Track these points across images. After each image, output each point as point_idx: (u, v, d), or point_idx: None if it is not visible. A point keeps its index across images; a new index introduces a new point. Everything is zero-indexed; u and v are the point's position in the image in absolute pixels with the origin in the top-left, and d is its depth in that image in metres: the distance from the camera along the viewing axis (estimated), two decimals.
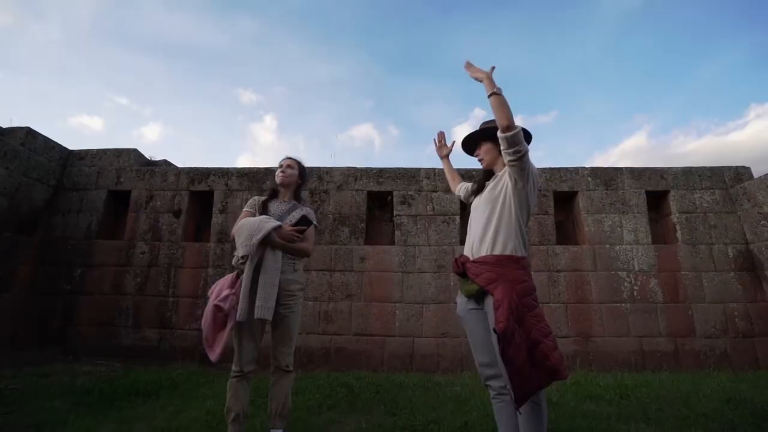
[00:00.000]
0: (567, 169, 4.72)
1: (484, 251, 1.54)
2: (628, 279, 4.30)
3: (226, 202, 4.72)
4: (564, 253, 4.40)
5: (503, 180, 1.61)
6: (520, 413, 1.38)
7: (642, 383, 2.97)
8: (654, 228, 4.62)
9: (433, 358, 4.10)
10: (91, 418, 2.26)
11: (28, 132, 4.40)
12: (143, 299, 4.41)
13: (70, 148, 4.98)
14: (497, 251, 1.51)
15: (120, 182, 4.85)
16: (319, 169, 4.82)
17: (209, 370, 3.73)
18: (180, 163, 5.41)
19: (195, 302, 4.37)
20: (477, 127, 1.79)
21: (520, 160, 1.49)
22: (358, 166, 4.84)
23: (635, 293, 4.24)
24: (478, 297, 1.56)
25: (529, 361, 1.32)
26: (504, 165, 1.63)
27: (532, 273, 4.56)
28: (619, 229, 4.47)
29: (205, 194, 4.86)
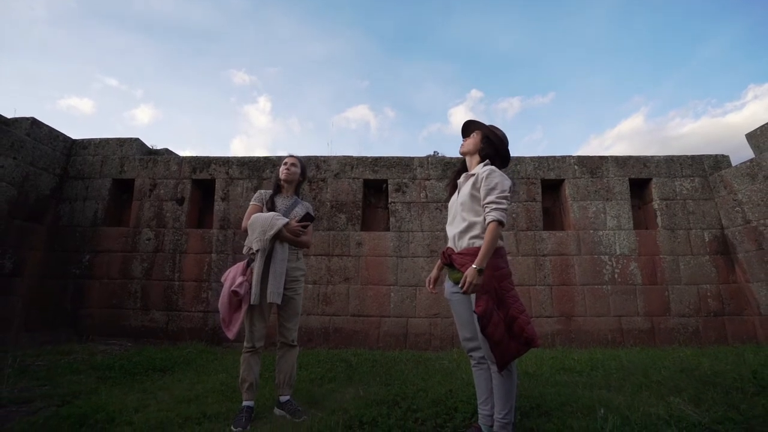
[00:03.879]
0: (554, 157, 4.91)
1: (465, 245, 1.76)
2: (609, 262, 4.56)
3: (228, 190, 4.89)
4: (550, 239, 4.65)
5: (478, 183, 1.80)
6: (501, 375, 1.64)
7: (612, 357, 3.27)
8: (636, 214, 4.87)
9: (425, 336, 4.39)
10: (118, 389, 2.54)
11: (33, 122, 4.50)
12: (150, 283, 4.64)
13: (63, 131, 5.01)
14: (477, 245, 1.73)
15: (124, 171, 5.00)
16: (316, 158, 4.98)
17: (217, 348, 4.02)
18: (176, 146, 5.59)
19: (200, 286, 4.61)
20: (473, 113, 1.96)
21: None
22: (354, 154, 5.01)
23: (616, 276, 4.52)
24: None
25: (508, 334, 1.58)
26: (478, 163, 1.85)
27: (520, 258, 4.76)
28: (603, 215, 4.71)
29: (207, 182, 5.03)
